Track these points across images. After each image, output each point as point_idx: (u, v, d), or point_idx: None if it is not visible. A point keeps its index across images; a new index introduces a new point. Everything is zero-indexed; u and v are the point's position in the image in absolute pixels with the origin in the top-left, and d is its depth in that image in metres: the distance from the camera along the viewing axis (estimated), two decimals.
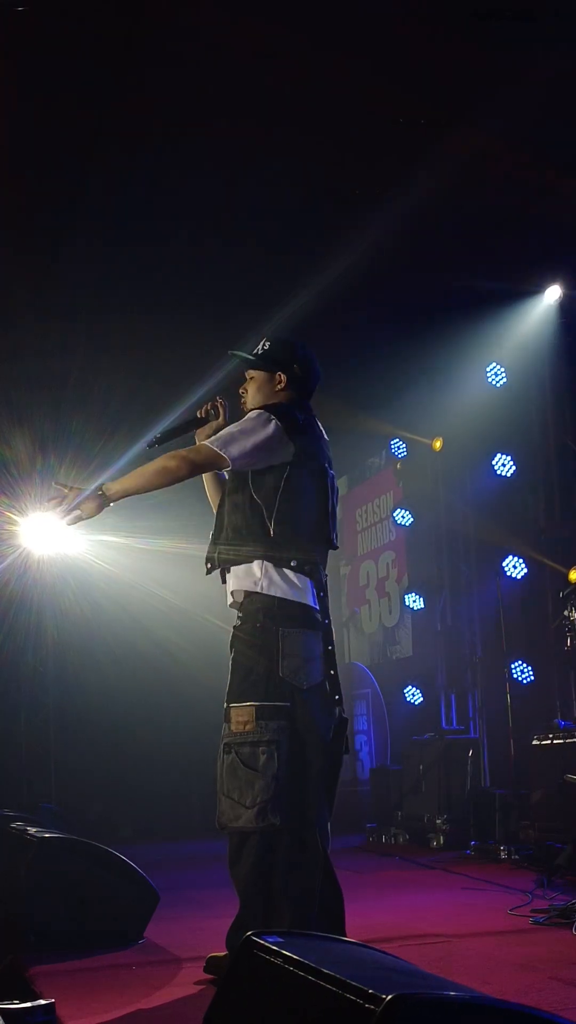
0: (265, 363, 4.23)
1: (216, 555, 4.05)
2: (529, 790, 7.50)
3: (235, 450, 3.92)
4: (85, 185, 7.61)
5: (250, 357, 4.27)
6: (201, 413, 4.37)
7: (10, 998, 3.45)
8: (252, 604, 3.93)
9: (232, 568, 4.02)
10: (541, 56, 6.39)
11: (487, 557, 9.59)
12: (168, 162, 7.45)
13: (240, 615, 3.97)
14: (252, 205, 7.94)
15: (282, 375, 4.21)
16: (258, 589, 3.90)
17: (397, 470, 11.18)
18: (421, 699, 10.40)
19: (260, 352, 4.27)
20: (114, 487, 4.00)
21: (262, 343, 4.29)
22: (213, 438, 3.98)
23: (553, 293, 8.76)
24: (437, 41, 6.27)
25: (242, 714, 3.81)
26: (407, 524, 10.89)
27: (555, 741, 7.20)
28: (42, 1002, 3.45)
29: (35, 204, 7.92)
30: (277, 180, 7.67)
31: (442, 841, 8.46)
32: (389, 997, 1.89)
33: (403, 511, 10.87)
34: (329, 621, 4.07)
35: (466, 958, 4.31)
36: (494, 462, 9.31)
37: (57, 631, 11.04)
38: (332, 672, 3.97)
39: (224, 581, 4.14)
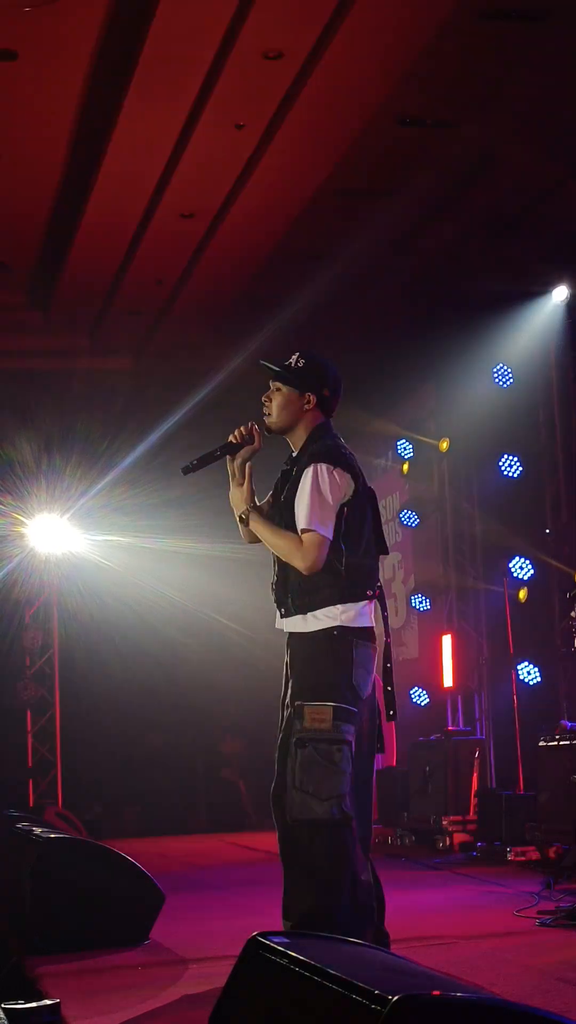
0: (299, 381, 4.13)
1: (291, 603, 4.03)
2: (536, 791, 7.48)
3: (329, 522, 3.94)
4: (91, 190, 7.63)
5: (281, 371, 4.14)
6: (236, 438, 4.15)
7: (16, 998, 3.45)
8: (333, 631, 3.98)
9: (305, 611, 4.01)
10: (547, 56, 6.39)
11: (493, 558, 9.57)
12: None
13: (306, 635, 4.01)
14: (254, 206, 7.94)
15: (312, 396, 4.13)
16: (340, 623, 3.96)
17: (403, 471, 11.17)
18: (427, 700, 10.39)
19: (294, 367, 4.15)
20: (254, 520, 4.08)
21: (295, 359, 4.16)
22: (306, 522, 3.93)
23: (560, 293, 8.73)
24: (444, 41, 6.26)
25: (320, 712, 3.86)
26: (413, 525, 10.87)
27: (562, 742, 7.18)
28: (47, 1002, 3.45)
29: (41, 211, 7.94)
30: (281, 179, 7.67)
31: (448, 842, 8.44)
32: (395, 998, 1.89)
33: (409, 512, 10.85)
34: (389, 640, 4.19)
35: (472, 959, 4.30)
36: (501, 463, 9.29)
37: (64, 631, 11.04)
38: (389, 688, 4.18)
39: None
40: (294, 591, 4.03)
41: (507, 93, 6.70)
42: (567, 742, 7.13)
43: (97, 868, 4.96)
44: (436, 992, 2.02)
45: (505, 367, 9.30)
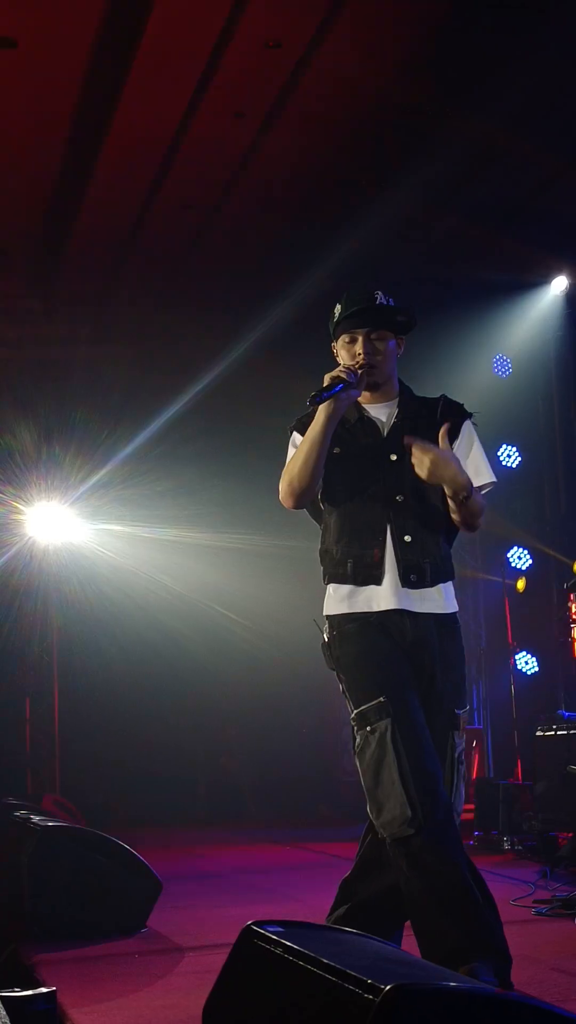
0: (406, 325, 3.53)
1: (429, 570, 3.47)
2: (533, 781, 7.49)
3: None
4: (91, 178, 7.62)
5: (403, 317, 3.52)
6: (344, 376, 3.39)
7: (12, 986, 3.46)
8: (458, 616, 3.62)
9: (439, 582, 3.53)
10: (548, 46, 6.37)
11: (492, 548, 9.59)
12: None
13: (448, 620, 3.56)
14: (255, 196, 7.93)
15: (403, 340, 3.57)
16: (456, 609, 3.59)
17: None
18: None
19: (390, 308, 3.49)
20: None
21: (382, 297, 3.49)
22: (489, 475, 3.51)
23: (560, 284, 8.73)
24: (443, 30, 6.24)
25: (463, 722, 3.52)
26: None
27: (559, 732, 7.19)
28: (44, 990, 3.45)
29: (41, 199, 7.92)
30: (282, 168, 7.66)
31: None
32: (388, 987, 1.89)
33: None
34: None
35: None
36: (500, 453, 9.30)
37: (63, 620, 11.03)
38: None
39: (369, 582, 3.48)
40: (434, 555, 3.48)
41: (506, 83, 6.69)
42: (564, 732, 7.14)
43: (95, 856, 4.98)
44: (429, 981, 2.02)
45: (504, 357, 9.30)
